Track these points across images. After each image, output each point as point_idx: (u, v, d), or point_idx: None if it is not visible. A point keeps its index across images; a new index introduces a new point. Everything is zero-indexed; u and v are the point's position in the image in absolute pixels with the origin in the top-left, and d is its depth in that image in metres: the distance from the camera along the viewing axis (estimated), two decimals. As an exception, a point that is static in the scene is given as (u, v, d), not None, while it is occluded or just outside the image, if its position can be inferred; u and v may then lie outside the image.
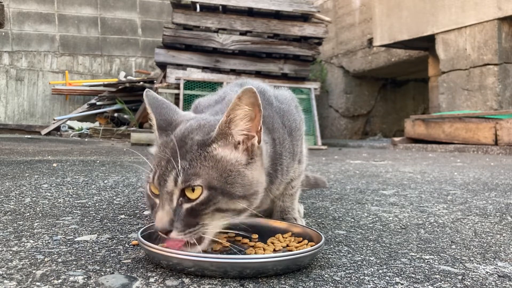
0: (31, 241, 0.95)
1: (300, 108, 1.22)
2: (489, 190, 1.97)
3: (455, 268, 0.85)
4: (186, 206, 0.75)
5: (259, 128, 0.82)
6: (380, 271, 0.82)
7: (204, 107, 1.08)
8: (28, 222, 1.12)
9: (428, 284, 0.76)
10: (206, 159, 0.77)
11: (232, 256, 0.76)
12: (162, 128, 0.86)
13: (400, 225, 1.23)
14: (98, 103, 8.91)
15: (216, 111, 0.96)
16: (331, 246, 0.99)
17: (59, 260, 0.83)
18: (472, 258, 0.92)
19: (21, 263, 0.80)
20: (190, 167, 0.75)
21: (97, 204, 1.41)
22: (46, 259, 0.83)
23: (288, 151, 1.02)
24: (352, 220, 1.28)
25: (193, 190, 0.75)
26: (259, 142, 0.83)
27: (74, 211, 1.28)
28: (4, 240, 0.96)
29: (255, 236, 0.96)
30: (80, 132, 8.04)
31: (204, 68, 6.36)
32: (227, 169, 0.78)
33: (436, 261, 0.89)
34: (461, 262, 0.89)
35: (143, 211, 1.32)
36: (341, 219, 1.29)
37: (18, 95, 9.73)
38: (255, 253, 0.87)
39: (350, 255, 0.92)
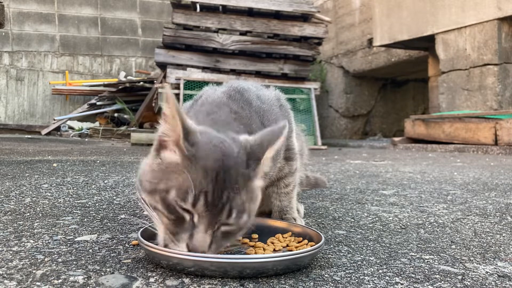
0: (31, 241, 0.95)
1: (288, 107, 1.21)
2: (489, 190, 1.97)
3: (455, 268, 0.85)
4: (224, 229, 0.77)
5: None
6: (380, 271, 0.82)
7: (186, 107, 1.08)
8: (28, 222, 1.12)
9: (428, 284, 0.76)
10: (248, 192, 0.79)
11: (232, 256, 0.76)
12: (186, 137, 0.79)
13: (400, 225, 1.23)
14: (98, 103, 8.91)
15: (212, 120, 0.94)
16: (331, 246, 0.99)
17: (59, 260, 0.83)
18: (472, 258, 0.92)
19: (21, 263, 0.80)
20: (240, 202, 0.77)
21: (97, 204, 1.41)
22: (46, 259, 0.83)
23: None
24: (352, 220, 1.28)
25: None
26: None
27: (74, 211, 1.28)
28: (4, 240, 0.96)
29: (255, 236, 0.96)
30: (80, 132, 8.04)
31: (204, 68, 6.36)
32: (257, 198, 0.82)
33: (436, 261, 0.89)
34: (461, 262, 0.89)
35: (143, 211, 1.32)
36: (341, 219, 1.29)
37: (18, 95, 9.74)
38: (255, 253, 0.87)
39: (350, 255, 0.92)
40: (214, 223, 0.75)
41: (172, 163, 0.77)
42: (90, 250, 0.90)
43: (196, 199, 0.73)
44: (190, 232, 0.75)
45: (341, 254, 0.92)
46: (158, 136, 0.82)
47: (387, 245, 1.01)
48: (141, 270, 0.78)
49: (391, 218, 1.32)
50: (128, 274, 0.76)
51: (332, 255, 0.91)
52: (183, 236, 0.75)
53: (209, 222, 0.74)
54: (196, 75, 6.27)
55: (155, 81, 7.69)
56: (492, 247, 1.01)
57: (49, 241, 0.96)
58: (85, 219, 1.19)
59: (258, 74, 6.53)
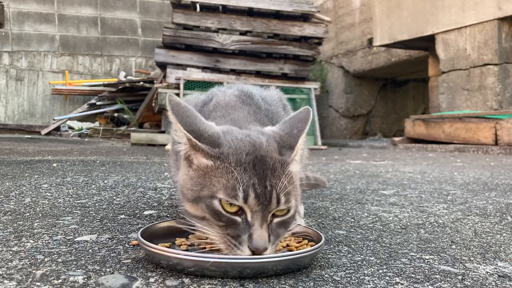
0: (31, 241, 0.95)
1: (289, 107, 1.22)
2: (489, 190, 1.97)
3: (455, 268, 0.85)
4: (276, 220, 0.78)
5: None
6: (380, 271, 0.82)
7: (192, 106, 1.08)
8: (28, 222, 1.12)
9: (428, 284, 0.75)
10: (289, 178, 0.79)
11: (232, 256, 0.76)
12: (199, 138, 0.79)
13: (400, 225, 1.23)
14: (98, 103, 8.91)
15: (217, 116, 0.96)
16: (331, 246, 0.99)
17: (59, 260, 0.83)
18: (472, 258, 0.92)
19: (21, 263, 0.80)
20: (285, 187, 0.77)
21: (97, 204, 1.41)
22: (46, 259, 0.83)
23: None
24: (352, 220, 1.28)
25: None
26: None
27: (74, 211, 1.28)
28: (4, 240, 0.96)
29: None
30: (80, 132, 8.04)
31: (204, 68, 6.36)
32: (297, 183, 0.83)
33: (436, 261, 0.89)
34: (461, 262, 0.89)
35: (143, 211, 1.32)
36: (341, 219, 1.29)
37: (18, 95, 9.73)
38: (255, 253, 0.87)
39: (350, 255, 0.92)
40: (267, 215, 0.76)
41: (208, 166, 0.77)
42: (90, 250, 0.89)
43: (246, 193, 0.74)
44: (248, 232, 0.75)
45: (341, 254, 0.92)
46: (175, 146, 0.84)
47: (387, 245, 1.01)
48: (141, 270, 0.78)
49: (391, 218, 1.32)
50: (128, 274, 0.76)
51: (332, 255, 0.91)
52: (243, 238, 0.75)
53: (263, 215, 0.75)
54: (196, 75, 6.27)
55: (155, 81, 7.69)
56: (492, 247, 1.01)
57: (49, 241, 0.96)
58: (85, 219, 1.19)
59: (258, 74, 6.53)
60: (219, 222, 0.75)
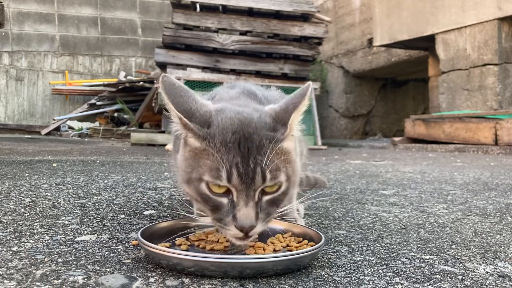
0: (31, 241, 0.95)
1: None
2: (489, 190, 1.97)
3: (455, 268, 0.85)
4: (266, 198, 0.78)
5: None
6: (380, 271, 0.82)
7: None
8: (28, 222, 1.12)
9: (428, 284, 0.75)
10: (280, 153, 0.79)
11: (232, 256, 0.76)
12: (190, 118, 0.79)
13: (400, 225, 1.23)
14: (98, 103, 8.91)
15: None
16: (331, 246, 0.99)
17: (59, 260, 0.83)
18: (472, 258, 0.92)
19: (21, 263, 0.80)
20: (271, 162, 0.76)
21: (97, 204, 1.41)
22: (46, 259, 0.83)
23: None
24: (352, 220, 1.28)
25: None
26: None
27: (74, 211, 1.28)
28: (4, 240, 0.96)
29: (255, 236, 0.96)
30: (80, 132, 8.04)
31: (204, 68, 6.36)
32: (292, 160, 0.82)
33: (436, 261, 0.89)
34: (461, 262, 0.89)
35: (143, 211, 1.32)
36: (341, 219, 1.29)
37: (18, 95, 9.73)
38: (255, 253, 0.87)
39: (350, 255, 0.92)
40: (253, 193, 0.75)
41: (197, 148, 0.79)
42: (90, 250, 0.89)
43: (229, 173, 0.74)
44: (232, 212, 0.75)
45: (341, 254, 0.92)
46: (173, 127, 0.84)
47: (387, 245, 1.01)
48: (141, 270, 0.78)
49: (391, 218, 1.32)
50: (128, 274, 0.76)
51: (332, 255, 0.91)
52: (230, 217, 0.76)
53: (247, 193, 0.75)
54: (196, 75, 6.27)
55: (155, 81, 7.69)
56: (492, 247, 1.01)
57: (49, 241, 0.96)
58: (85, 219, 1.19)
59: (258, 74, 6.53)
60: (207, 204, 0.78)
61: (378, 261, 0.88)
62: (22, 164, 2.56)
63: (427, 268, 0.84)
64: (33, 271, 0.76)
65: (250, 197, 0.75)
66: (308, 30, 6.53)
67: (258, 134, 0.78)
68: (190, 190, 0.80)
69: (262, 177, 0.75)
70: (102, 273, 0.76)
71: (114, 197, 1.55)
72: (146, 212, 1.31)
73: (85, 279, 0.73)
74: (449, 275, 0.80)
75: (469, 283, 0.77)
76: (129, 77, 9.61)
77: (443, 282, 0.77)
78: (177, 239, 0.92)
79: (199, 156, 0.78)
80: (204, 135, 0.77)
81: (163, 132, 6.09)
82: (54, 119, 9.19)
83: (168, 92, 0.80)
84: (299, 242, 0.93)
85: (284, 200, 0.82)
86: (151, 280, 0.73)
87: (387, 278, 0.78)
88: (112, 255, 0.87)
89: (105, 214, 1.26)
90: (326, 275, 0.78)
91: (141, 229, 0.88)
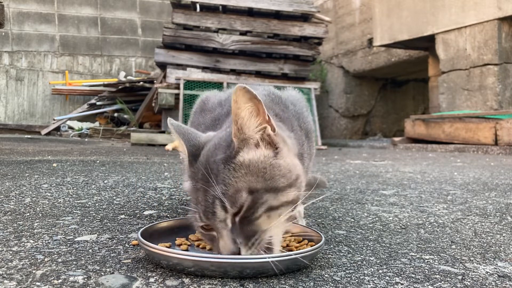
0: (31, 241, 0.95)
1: (309, 108, 1.23)
2: (489, 190, 1.97)
3: (455, 268, 0.85)
4: (237, 219, 0.75)
5: (267, 117, 0.79)
6: (380, 271, 0.82)
7: (214, 105, 1.10)
8: (28, 222, 1.12)
9: (428, 284, 0.75)
10: (236, 171, 0.75)
11: (232, 256, 0.76)
12: (193, 154, 0.83)
13: (400, 225, 1.23)
14: (98, 103, 8.92)
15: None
16: (331, 246, 0.99)
17: (59, 260, 0.83)
18: (472, 258, 0.92)
19: (21, 263, 0.80)
20: (228, 187, 0.74)
21: (97, 204, 1.41)
22: (46, 259, 0.83)
23: (307, 152, 1.05)
24: (352, 220, 1.28)
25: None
26: (273, 130, 0.80)
27: (74, 211, 1.28)
28: (4, 240, 0.96)
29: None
30: (80, 132, 8.04)
31: (204, 68, 6.37)
32: (260, 168, 0.76)
33: (436, 261, 0.89)
34: (461, 262, 0.89)
35: (143, 211, 1.32)
36: (341, 219, 1.29)
37: (18, 95, 9.73)
38: (255, 253, 0.87)
39: (350, 255, 0.92)
40: (223, 224, 0.75)
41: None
42: (90, 250, 0.89)
43: (199, 214, 0.78)
44: (217, 246, 0.78)
45: (341, 254, 0.92)
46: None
47: (387, 245, 1.01)
48: (141, 270, 0.78)
49: (391, 218, 1.32)
50: (128, 274, 0.76)
51: (332, 255, 0.91)
52: (216, 247, 0.79)
53: (218, 226, 0.76)
54: (196, 75, 6.27)
55: (155, 81, 7.69)
56: (492, 247, 1.01)
57: (49, 241, 0.96)
58: (85, 219, 1.19)
59: (258, 74, 6.54)
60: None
61: (378, 261, 0.88)
62: (22, 164, 2.57)
63: (427, 268, 0.84)
64: (33, 271, 0.76)
65: (222, 228, 0.75)
66: (308, 30, 6.53)
67: (215, 161, 0.77)
68: None
69: (222, 207, 0.74)
70: (102, 273, 0.76)
71: (114, 197, 1.55)
72: (146, 212, 1.31)
73: (85, 279, 0.73)
74: (449, 275, 0.80)
75: (469, 283, 0.77)
76: (129, 77, 9.61)
77: (443, 282, 0.77)
78: (177, 239, 0.92)
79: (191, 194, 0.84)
80: (191, 174, 0.82)
81: (163, 132, 6.09)
82: (54, 119, 9.19)
83: (179, 132, 0.86)
84: (299, 242, 0.93)
85: (260, 217, 0.74)
86: (151, 280, 0.73)
87: (387, 278, 0.78)
88: (112, 255, 0.87)
89: (105, 214, 1.26)
90: (326, 275, 0.78)
91: (141, 229, 0.88)
